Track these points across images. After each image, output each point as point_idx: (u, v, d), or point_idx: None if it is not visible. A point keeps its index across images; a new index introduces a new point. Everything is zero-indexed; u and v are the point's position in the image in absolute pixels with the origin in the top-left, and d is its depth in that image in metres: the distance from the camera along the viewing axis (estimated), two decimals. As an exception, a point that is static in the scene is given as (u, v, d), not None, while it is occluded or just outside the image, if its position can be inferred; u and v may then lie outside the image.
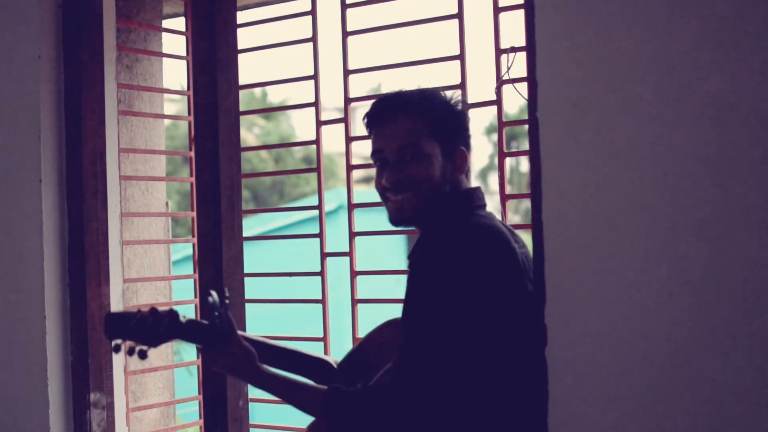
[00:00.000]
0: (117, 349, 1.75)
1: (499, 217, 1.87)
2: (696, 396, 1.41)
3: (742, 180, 1.38)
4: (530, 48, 1.55)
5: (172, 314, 1.75)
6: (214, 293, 1.77)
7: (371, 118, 1.78)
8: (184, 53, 2.66)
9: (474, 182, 1.81)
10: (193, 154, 2.56)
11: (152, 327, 1.72)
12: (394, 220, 1.77)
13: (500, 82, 2.11)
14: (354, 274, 2.39)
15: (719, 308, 1.39)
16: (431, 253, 1.61)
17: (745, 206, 1.38)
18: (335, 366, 1.92)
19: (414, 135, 1.72)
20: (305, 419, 1.77)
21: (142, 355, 1.73)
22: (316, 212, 2.49)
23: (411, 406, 1.57)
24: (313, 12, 2.45)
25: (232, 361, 1.75)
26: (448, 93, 1.79)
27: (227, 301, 1.77)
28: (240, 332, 1.81)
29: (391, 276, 2.46)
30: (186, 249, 7.27)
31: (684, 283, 1.42)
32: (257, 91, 18.61)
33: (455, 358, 1.58)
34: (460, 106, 1.78)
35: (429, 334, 1.57)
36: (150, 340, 1.73)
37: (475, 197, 1.74)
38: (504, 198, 2.13)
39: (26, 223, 2.36)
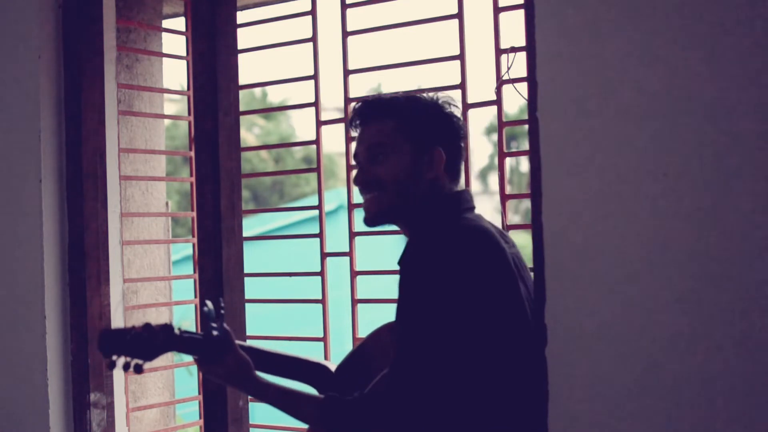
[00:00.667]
0: (112, 365, 1.75)
1: (499, 217, 1.86)
2: (696, 396, 1.41)
3: (742, 180, 1.38)
4: (530, 48, 1.55)
5: (166, 328, 1.75)
6: (209, 303, 1.77)
7: (351, 124, 1.81)
8: (184, 53, 2.66)
9: (473, 182, 1.81)
10: (193, 154, 2.56)
11: (147, 342, 1.73)
12: (365, 220, 1.80)
13: (500, 82, 2.11)
14: (354, 274, 2.39)
15: (720, 308, 1.39)
16: (419, 256, 1.60)
17: (745, 206, 1.38)
18: (333, 371, 1.92)
19: (382, 135, 1.74)
20: (305, 419, 1.77)
21: (138, 370, 1.73)
22: (316, 212, 2.49)
23: (407, 411, 1.56)
24: (313, 12, 2.45)
25: (227, 371, 1.75)
26: (436, 95, 1.79)
27: (222, 311, 1.78)
28: (237, 342, 1.81)
29: (391, 276, 2.45)
30: (186, 249, 7.27)
31: (684, 282, 1.42)
32: (257, 91, 18.60)
33: (450, 362, 1.57)
34: (443, 107, 1.77)
35: (422, 339, 1.57)
36: (145, 354, 1.74)
37: (463, 200, 1.74)
38: (504, 198, 2.13)
39: (26, 223, 2.36)
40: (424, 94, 1.80)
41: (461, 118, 1.80)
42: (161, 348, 1.74)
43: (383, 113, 1.75)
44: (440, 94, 1.80)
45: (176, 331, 1.75)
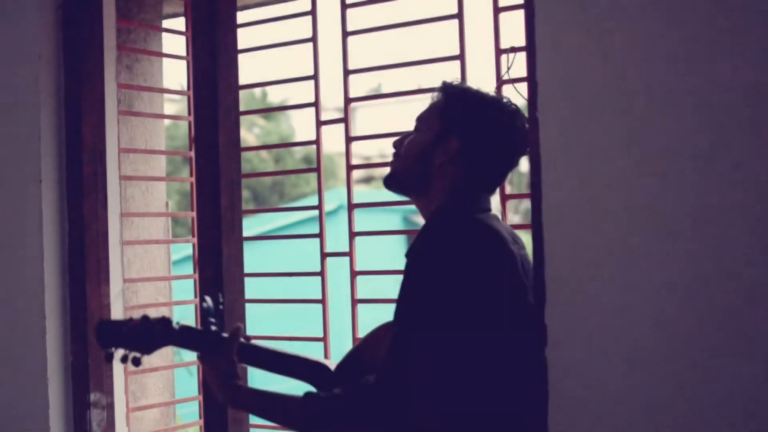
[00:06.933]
0: (110, 357, 1.75)
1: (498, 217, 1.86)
2: (696, 395, 1.41)
3: (742, 180, 1.38)
4: (530, 48, 1.55)
5: (164, 321, 1.75)
6: (208, 299, 1.77)
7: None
8: (184, 53, 2.66)
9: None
10: (193, 154, 2.56)
11: (144, 334, 1.73)
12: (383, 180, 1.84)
13: (500, 82, 2.11)
14: (354, 274, 2.39)
15: (720, 308, 1.39)
16: (426, 251, 1.60)
17: (745, 205, 1.38)
18: (333, 369, 1.91)
19: (428, 111, 1.78)
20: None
21: (136, 363, 1.73)
22: (316, 212, 2.49)
23: (394, 408, 1.55)
24: (313, 12, 2.45)
25: (213, 372, 1.75)
26: (504, 98, 1.80)
27: (221, 307, 1.78)
28: (242, 340, 1.79)
29: (391, 276, 2.45)
30: (186, 249, 7.23)
31: (684, 282, 1.42)
32: (257, 91, 18.58)
33: (445, 361, 1.55)
34: (490, 108, 1.74)
35: (419, 336, 1.55)
36: (143, 347, 1.74)
37: (477, 200, 1.73)
38: (504, 198, 2.13)
39: (26, 223, 2.36)
40: (488, 94, 1.79)
41: (515, 126, 1.73)
42: (158, 341, 1.75)
43: (444, 94, 1.78)
44: (506, 101, 1.78)
45: (174, 325, 1.75)
